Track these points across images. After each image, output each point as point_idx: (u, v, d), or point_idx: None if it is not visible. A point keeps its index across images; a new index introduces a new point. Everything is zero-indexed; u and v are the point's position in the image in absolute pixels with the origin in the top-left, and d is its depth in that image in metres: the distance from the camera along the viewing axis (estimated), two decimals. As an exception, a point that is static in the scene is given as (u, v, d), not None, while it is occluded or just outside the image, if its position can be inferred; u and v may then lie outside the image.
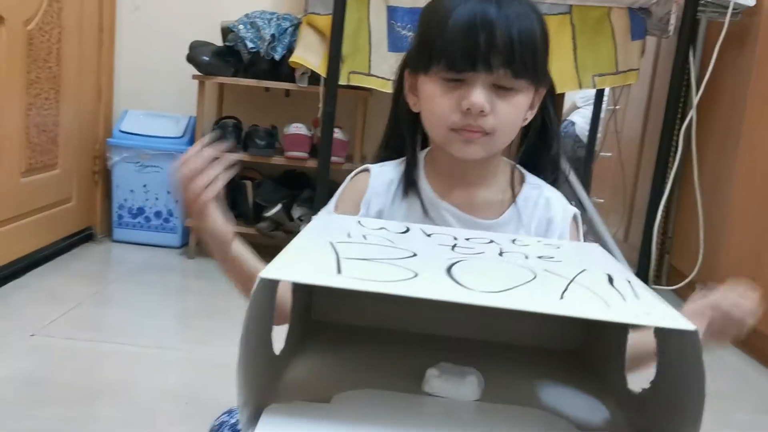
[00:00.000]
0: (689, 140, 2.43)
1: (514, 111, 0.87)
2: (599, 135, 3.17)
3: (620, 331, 0.71)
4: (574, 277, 0.61)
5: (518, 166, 0.96)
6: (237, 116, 2.66)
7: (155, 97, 2.78)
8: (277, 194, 2.58)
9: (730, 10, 2.23)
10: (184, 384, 1.59)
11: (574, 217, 0.94)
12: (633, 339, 0.69)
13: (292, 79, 2.46)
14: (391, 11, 2.17)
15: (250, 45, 2.46)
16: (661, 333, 0.62)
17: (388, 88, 1.02)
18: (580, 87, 2.24)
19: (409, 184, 0.94)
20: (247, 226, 2.57)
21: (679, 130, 2.45)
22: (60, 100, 2.37)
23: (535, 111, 0.92)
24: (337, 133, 2.36)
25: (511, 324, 0.81)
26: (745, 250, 2.11)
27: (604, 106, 3.14)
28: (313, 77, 2.37)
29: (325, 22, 2.16)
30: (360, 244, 0.68)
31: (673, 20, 2.20)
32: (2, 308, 1.94)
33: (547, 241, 0.82)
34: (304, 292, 0.78)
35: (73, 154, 2.51)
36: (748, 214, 2.13)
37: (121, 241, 2.69)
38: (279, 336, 0.69)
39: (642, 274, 2.30)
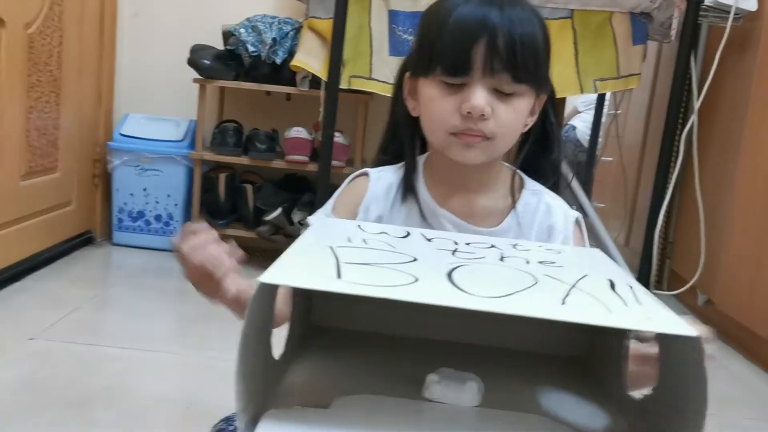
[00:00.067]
0: (690, 145, 2.43)
1: (514, 115, 0.86)
2: (600, 139, 3.17)
3: (621, 336, 0.71)
4: (575, 283, 0.61)
5: (519, 171, 0.94)
6: (238, 120, 2.65)
7: (156, 100, 2.78)
8: (277, 198, 2.57)
9: (731, 15, 2.23)
10: (183, 388, 1.59)
11: (577, 222, 0.93)
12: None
13: (293, 83, 2.46)
14: (392, 15, 2.17)
15: (251, 49, 2.46)
16: (663, 338, 0.61)
17: (389, 92, 1.01)
18: (582, 91, 2.24)
19: (407, 189, 0.93)
20: (247, 230, 2.57)
21: (681, 134, 2.44)
22: (60, 103, 2.37)
23: (535, 117, 0.91)
24: (338, 137, 2.36)
25: (513, 329, 0.81)
26: (746, 255, 2.10)
27: (605, 110, 3.15)
28: (314, 81, 2.37)
29: (326, 25, 2.17)
30: (360, 248, 0.68)
31: (674, 25, 2.19)
32: (1, 312, 1.93)
33: (548, 246, 0.81)
34: (303, 296, 0.77)
35: (73, 157, 2.50)
36: (749, 220, 2.12)
37: (121, 245, 2.68)
38: (278, 341, 0.69)
39: (643, 279, 2.29)
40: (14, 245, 2.15)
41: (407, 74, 0.93)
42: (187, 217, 2.64)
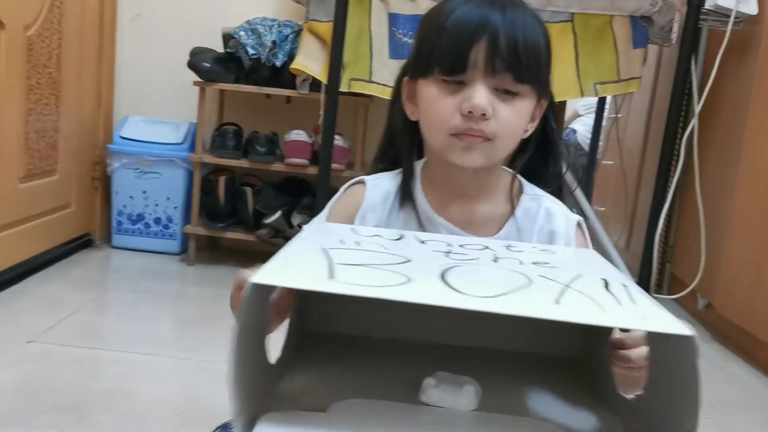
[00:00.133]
0: (691, 149, 2.43)
1: (516, 116, 0.85)
2: (601, 143, 3.17)
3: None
4: (569, 283, 0.60)
5: (518, 176, 0.93)
6: (238, 123, 2.65)
7: (156, 103, 2.78)
8: (277, 201, 2.57)
9: (732, 19, 2.22)
10: (181, 391, 1.58)
11: (579, 225, 0.92)
12: None
13: (293, 86, 2.45)
14: (393, 18, 2.17)
15: (251, 51, 2.45)
16: (655, 338, 0.61)
17: (389, 95, 1.01)
18: (582, 95, 2.24)
19: (405, 195, 0.92)
20: (247, 233, 2.56)
21: (681, 138, 2.44)
22: (60, 105, 2.37)
23: (536, 124, 0.90)
24: (338, 140, 2.36)
25: (510, 331, 0.80)
26: (747, 259, 2.10)
27: (605, 114, 3.15)
28: (314, 84, 2.37)
29: (326, 28, 2.16)
30: (353, 250, 0.68)
31: (675, 28, 2.19)
32: (0, 314, 1.93)
33: (542, 246, 0.81)
34: (299, 300, 0.77)
35: (72, 159, 2.50)
36: (749, 223, 2.12)
37: (120, 248, 2.68)
38: (275, 345, 0.68)
39: (643, 282, 2.29)
40: (13, 248, 2.15)
41: (405, 78, 0.92)
42: (187, 220, 2.64)
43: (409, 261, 0.64)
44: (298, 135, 2.48)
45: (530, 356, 0.81)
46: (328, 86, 2.14)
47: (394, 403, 0.63)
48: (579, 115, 4.04)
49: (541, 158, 0.94)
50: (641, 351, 0.69)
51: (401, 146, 0.95)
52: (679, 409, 0.54)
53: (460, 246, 0.74)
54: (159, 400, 1.52)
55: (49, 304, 2.03)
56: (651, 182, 2.35)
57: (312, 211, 2.46)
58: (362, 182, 0.95)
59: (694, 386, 0.51)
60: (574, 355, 0.81)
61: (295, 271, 0.58)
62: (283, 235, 2.48)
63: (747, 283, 2.07)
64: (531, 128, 0.90)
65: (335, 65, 2.12)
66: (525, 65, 0.82)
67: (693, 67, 2.35)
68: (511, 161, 0.94)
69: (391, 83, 0.97)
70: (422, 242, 0.75)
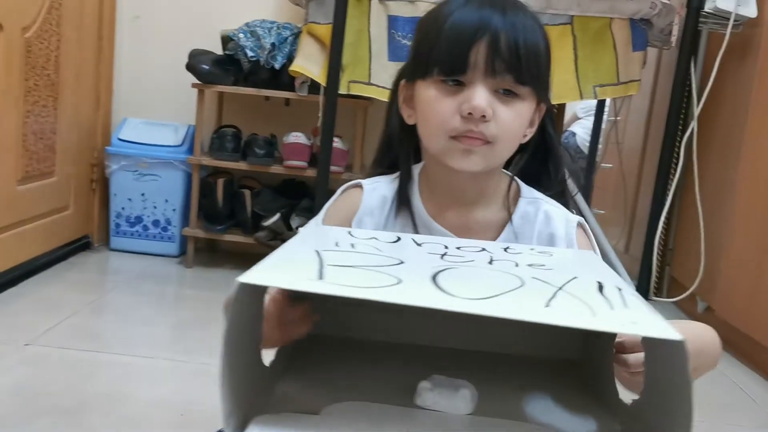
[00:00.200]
0: (690, 151, 2.43)
1: (516, 119, 0.84)
2: (600, 146, 3.17)
3: (614, 340, 0.70)
4: (562, 285, 0.60)
5: (516, 179, 0.92)
6: (236, 125, 2.65)
7: (154, 105, 2.78)
8: (275, 203, 2.57)
9: (731, 22, 2.23)
10: (179, 394, 1.57)
11: (580, 225, 0.91)
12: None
13: (291, 88, 2.45)
14: (392, 20, 2.16)
15: (250, 54, 2.45)
16: (649, 342, 0.61)
17: (388, 98, 1.00)
18: (581, 97, 2.23)
19: (402, 201, 0.91)
20: (245, 236, 2.56)
21: (681, 141, 2.44)
22: (58, 107, 2.36)
23: (534, 129, 0.89)
24: (337, 143, 2.36)
25: (508, 334, 0.80)
26: (747, 262, 2.10)
27: (605, 116, 3.15)
28: (313, 86, 2.37)
29: (325, 31, 2.16)
30: (346, 252, 0.67)
31: (674, 31, 2.19)
32: (-3, 317, 1.92)
33: (540, 248, 0.80)
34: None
35: (70, 161, 2.50)
36: (749, 226, 2.12)
37: (119, 250, 2.67)
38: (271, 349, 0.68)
39: (643, 285, 2.29)
40: (11, 250, 2.14)
41: (403, 82, 0.91)
42: (185, 222, 2.63)
43: (402, 263, 0.63)
44: (297, 137, 2.48)
45: (529, 359, 0.80)
46: (327, 88, 2.14)
47: (388, 406, 0.63)
48: (578, 118, 4.04)
49: (541, 164, 0.94)
50: (639, 355, 0.68)
51: (398, 151, 0.94)
52: (673, 413, 0.54)
53: (457, 248, 0.73)
54: (157, 403, 1.51)
55: (47, 307, 2.03)
56: (650, 185, 2.35)
57: (311, 214, 2.45)
58: (359, 186, 0.94)
59: (686, 391, 0.51)
60: (573, 358, 0.80)
61: (284, 272, 0.58)
62: (281, 237, 2.48)
63: (746, 286, 2.07)
64: (530, 133, 0.89)
65: (334, 67, 2.11)
66: (525, 66, 0.81)
67: (692, 70, 2.35)
68: (510, 167, 0.93)
69: (390, 86, 0.96)
70: (419, 244, 0.75)
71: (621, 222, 3.13)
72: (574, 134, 3.99)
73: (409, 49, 0.94)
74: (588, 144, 3.30)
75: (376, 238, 0.75)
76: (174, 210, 2.65)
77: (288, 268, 0.60)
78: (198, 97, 2.54)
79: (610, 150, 3.20)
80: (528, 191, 0.92)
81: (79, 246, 2.63)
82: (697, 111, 2.37)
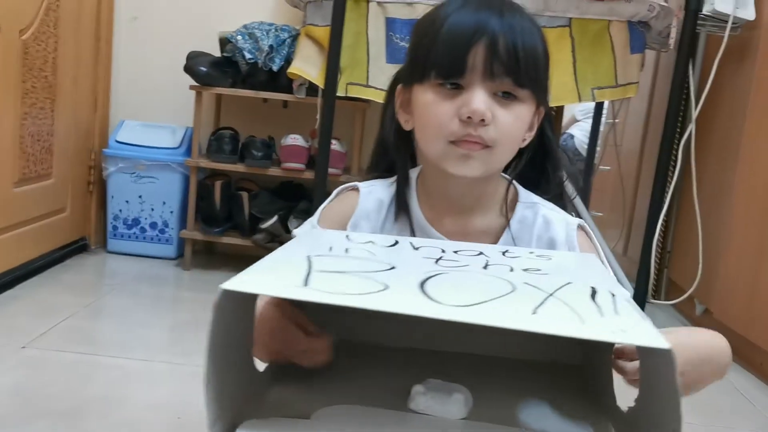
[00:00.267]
0: (688, 154, 2.42)
1: (515, 122, 0.83)
2: (598, 148, 3.17)
3: (612, 346, 0.70)
4: (554, 291, 0.59)
5: (514, 182, 0.91)
6: (234, 127, 2.64)
7: (152, 107, 2.77)
8: (273, 206, 2.56)
9: (729, 24, 2.22)
10: (176, 397, 1.57)
11: (581, 228, 0.90)
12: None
13: (289, 90, 2.45)
14: (390, 23, 2.16)
15: (248, 56, 2.45)
16: (642, 350, 0.60)
17: (383, 101, 0.99)
18: (580, 100, 2.23)
19: (400, 206, 0.90)
20: (243, 238, 2.55)
21: (679, 143, 2.44)
22: (55, 109, 2.36)
23: (533, 133, 0.89)
24: (335, 145, 2.35)
25: (505, 339, 0.80)
26: (744, 264, 2.09)
27: (603, 119, 3.15)
28: (311, 88, 2.36)
29: (323, 33, 2.16)
30: (338, 257, 0.67)
31: (672, 34, 2.19)
32: (-6, 319, 1.92)
33: (539, 252, 0.79)
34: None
35: (67, 163, 2.49)
36: (747, 229, 2.11)
37: (116, 252, 2.66)
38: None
39: (641, 288, 2.28)
40: (7, 252, 2.13)
41: (399, 86, 0.91)
42: (183, 224, 2.63)
43: (393, 268, 0.63)
44: (295, 139, 2.48)
45: (525, 363, 0.80)
46: (325, 91, 2.14)
47: (380, 410, 0.62)
48: (576, 120, 4.04)
49: (539, 167, 0.93)
50: (637, 362, 0.68)
51: (395, 157, 0.93)
52: (663, 420, 0.54)
53: (454, 252, 0.73)
54: (154, 405, 1.50)
55: (44, 309, 2.02)
56: (648, 187, 2.34)
57: (308, 216, 2.43)
58: (356, 188, 0.93)
59: (674, 399, 0.50)
60: (570, 363, 0.80)
61: (269, 278, 0.58)
62: (279, 239, 2.47)
63: (745, 288, 2.07)
64: (529, 137, 0.88)
65: (332, 70, 2.11)
66: (524, 69, 0.81)
67: (690, 72, 2.34)
68: (508, 171, 0.93)
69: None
70: (416, 248, 0.74)
71: (619, 224, 3.13)
72: (572, 137, 3.98)
73: (406, 52, 0.94)
74: (586, 146, 3.30)
75: (373, 242, 0.74)
76: (171, 212, 2.65)
77: (275, 273, 0.59)
78: (196, 99, 2.54)
79: (608, 152, 3.20)
80: (526, 195, 0.92)
81: (76, 248, 2.62)
82: (695, 114, 2.37)
